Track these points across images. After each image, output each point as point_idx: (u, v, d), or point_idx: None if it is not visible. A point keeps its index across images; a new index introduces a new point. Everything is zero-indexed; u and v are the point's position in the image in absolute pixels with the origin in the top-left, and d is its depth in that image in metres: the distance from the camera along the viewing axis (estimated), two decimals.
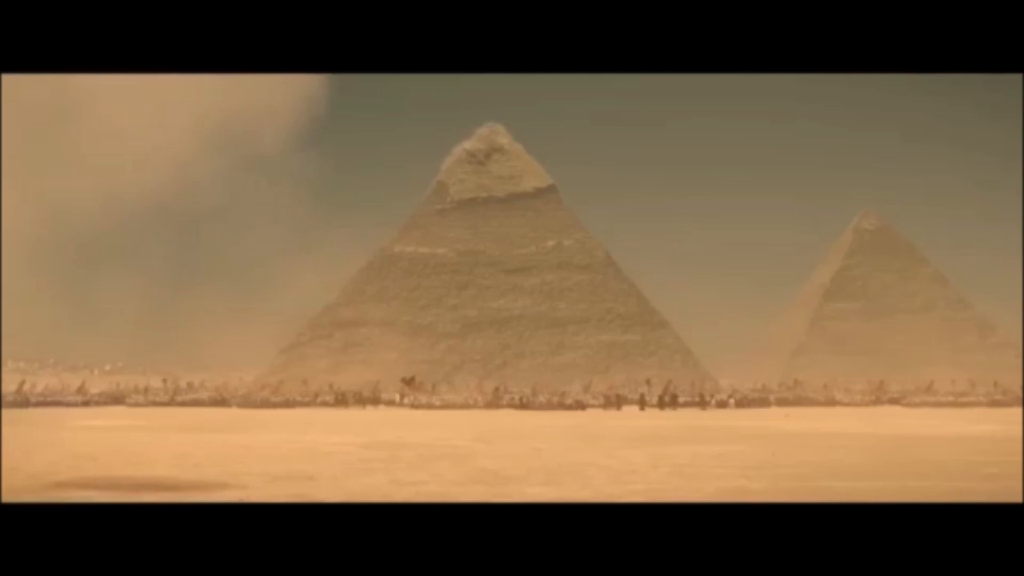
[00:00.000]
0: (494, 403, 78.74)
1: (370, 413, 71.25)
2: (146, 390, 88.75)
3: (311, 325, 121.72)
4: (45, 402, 79.19)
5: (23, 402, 76.42)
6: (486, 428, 47.09)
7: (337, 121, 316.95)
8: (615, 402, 77.78)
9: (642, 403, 76.91)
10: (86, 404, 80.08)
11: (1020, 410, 60.86)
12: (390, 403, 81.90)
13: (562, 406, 75.54)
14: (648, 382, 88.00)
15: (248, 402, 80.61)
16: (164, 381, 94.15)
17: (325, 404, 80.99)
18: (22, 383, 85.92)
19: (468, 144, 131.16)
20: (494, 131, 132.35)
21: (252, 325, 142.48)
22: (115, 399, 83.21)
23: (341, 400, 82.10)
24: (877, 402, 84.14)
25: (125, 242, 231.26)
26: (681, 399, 79.90)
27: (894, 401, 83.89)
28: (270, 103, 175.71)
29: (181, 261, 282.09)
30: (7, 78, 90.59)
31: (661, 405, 76.75)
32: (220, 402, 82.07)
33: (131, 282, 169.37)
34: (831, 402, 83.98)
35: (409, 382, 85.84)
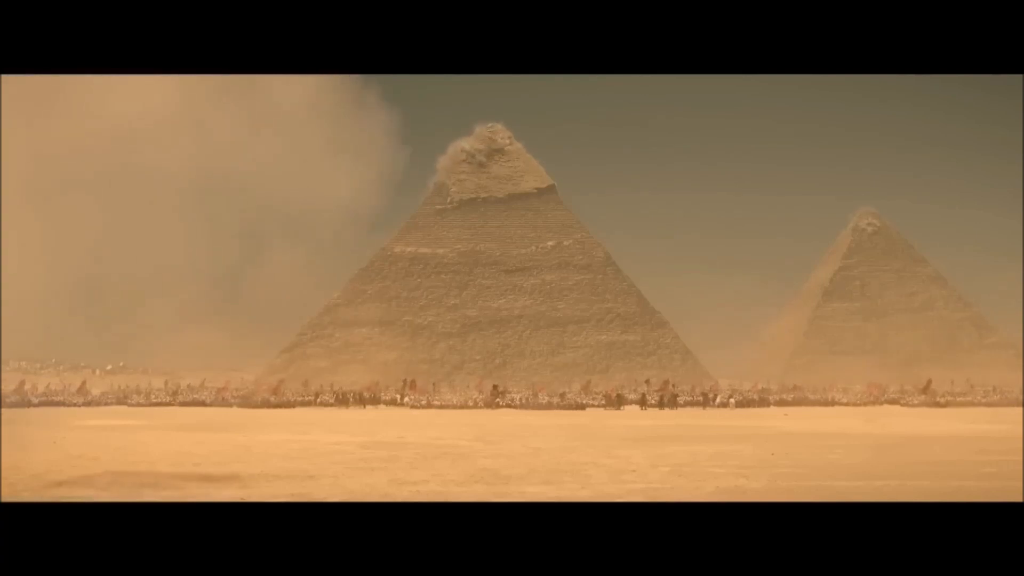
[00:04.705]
0: (494, 403, 78.77)
1: (370, 413, 71.26)
2: (147, 389, 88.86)
3: (311, 325, 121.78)
4: (46, 402, 79.24)
5: (23, 402, 76.42)
6: (486, 428, 47.10)
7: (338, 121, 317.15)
8: (615, 402, 77.82)
9: (642, 403, 76.97)
10: (87, 404, 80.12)
11: (1020, 410, 60.89)
12: (390, 403, 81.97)
13: (562, 406, 75.60)
14: (648, 382, 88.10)
15: (248, 402, 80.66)
16: (165, 381, 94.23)
17: (325, 404, 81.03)
18: (22, 383, 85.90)
19: (468, 144, 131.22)
20: (494, 131, 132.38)
21: (252, 325, 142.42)
22: (116, 399, 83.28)
23: (341, 400, 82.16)
24: (877, 402, 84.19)
25: None
26: (681, 399, 79.96)
27: (894, 401, 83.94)
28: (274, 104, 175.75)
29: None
30: (7, 78, 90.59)
31: (661, 405, 76.78)
32: (220, 402, 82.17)
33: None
34: (831, 402, 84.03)
35: (410, 385, 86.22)
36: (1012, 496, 17.23)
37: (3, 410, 62.11)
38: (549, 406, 75.66)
